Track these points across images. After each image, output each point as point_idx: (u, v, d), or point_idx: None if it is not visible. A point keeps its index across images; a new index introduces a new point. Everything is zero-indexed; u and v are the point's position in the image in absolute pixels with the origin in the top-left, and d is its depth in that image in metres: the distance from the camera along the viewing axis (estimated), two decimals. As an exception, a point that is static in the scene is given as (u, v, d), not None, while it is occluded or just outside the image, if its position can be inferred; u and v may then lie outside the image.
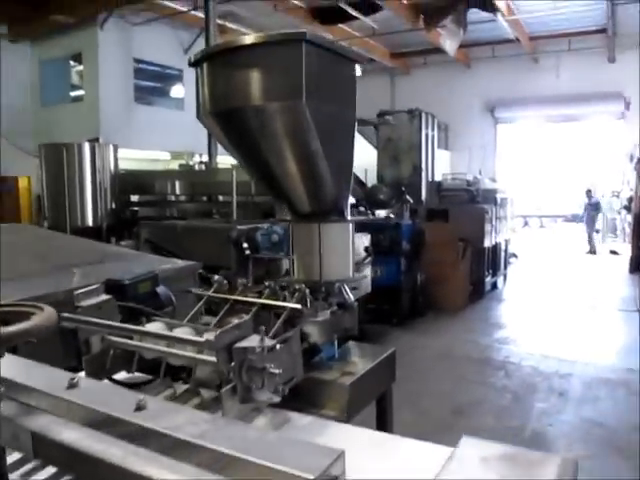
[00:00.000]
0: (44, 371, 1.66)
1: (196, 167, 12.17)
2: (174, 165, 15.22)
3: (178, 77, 16.43)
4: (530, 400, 5.26)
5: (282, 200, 2.47)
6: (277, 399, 1.65)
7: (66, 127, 13.93)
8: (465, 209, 9.41)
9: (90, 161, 9.63)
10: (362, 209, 10.92)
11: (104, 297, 1.99)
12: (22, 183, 14.61)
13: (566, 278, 12.01)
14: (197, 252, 7.16)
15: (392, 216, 8.56)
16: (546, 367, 6.15)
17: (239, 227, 6.32)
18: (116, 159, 10.29)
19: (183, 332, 1.87)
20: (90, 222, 9.62)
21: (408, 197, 11.16)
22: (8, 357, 1.72)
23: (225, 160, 12.66)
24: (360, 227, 7.62)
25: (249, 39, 2.00)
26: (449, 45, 13.86)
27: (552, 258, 14.98)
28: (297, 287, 2.11)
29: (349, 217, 2.52)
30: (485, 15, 13.76)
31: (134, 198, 11.36)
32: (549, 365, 6.21)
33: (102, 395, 1.46)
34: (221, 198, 10.35)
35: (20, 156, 13.59)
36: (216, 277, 2.27)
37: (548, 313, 8.71)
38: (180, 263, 4.43)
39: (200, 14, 12.74)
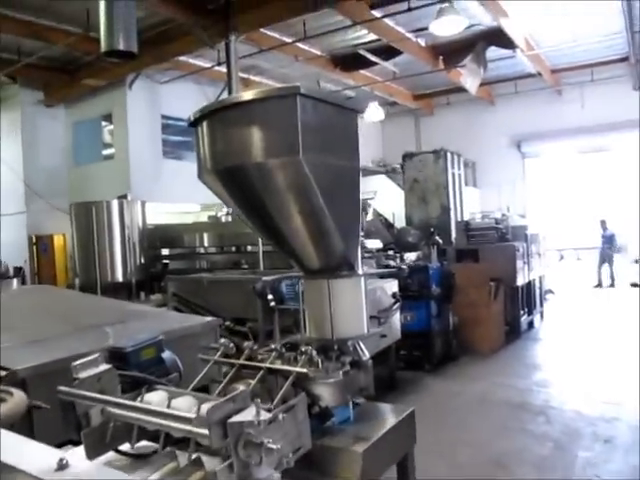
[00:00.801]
0: (38, 450, 1.60)
1: (223, 219, 12.29)
2: (204, 217, 15.43)
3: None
4: (573, 448, 4.94)
5: (290, 256, 2.41)
6: (277, 476, 1.55)
7: (99, 185, 14.30)
8: (494, 248, 9.18)
9: (118, 218, 9.83)
10: (391, 253, 10.81)
11: (103, 367, 1.93)
12: (57, 241, 14.97)
13: (605, 313, 11.56)
14: (224, 305, 7.15)
15: (402, 263, 8.38)
16: (590, 411, 5.81)
17: (264, 278, 6.27)
18: (144, 214, 10.46)
19: (182, 402, 1.79)
20: (120, 278, 9.74)
21: (437, 238, 11.01)
22: (6, 434, 1.67)
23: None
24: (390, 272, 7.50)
25: (243, 96, 1.98)
26: (470, 84, 13.89)
27: (589, 292, 14.49)
28: (304, 349, 2.02)
29: (360, 271, 2.44)
30: (505, 52, 13.80)
31: (165, 251, 11.49)
32: (593, 409, 5.87)
33: (90, 478, 1.39)
34: (250, 248, 10.37)
35: (56, 215, 13.94)
36: (222, 340, 2.19)
37: (589, 352, 8.33)
38: (201, 319, 4.39)
39: (224, 69, 13.07)
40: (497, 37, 12.71)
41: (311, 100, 1.95)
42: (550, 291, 13.06)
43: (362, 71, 15.70)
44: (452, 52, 13.84)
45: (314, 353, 2.00)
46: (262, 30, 12.40)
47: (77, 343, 3.51)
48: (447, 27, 9.82)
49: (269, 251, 9.29)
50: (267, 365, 2.00)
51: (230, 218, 11.85)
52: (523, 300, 9.57)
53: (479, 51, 13.31)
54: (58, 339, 3.53)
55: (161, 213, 13.57)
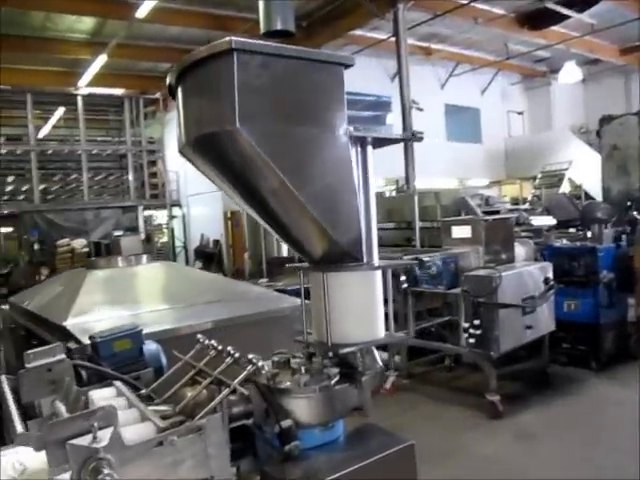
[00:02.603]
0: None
1: (387, 194, 11.96)
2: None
3: (387, 104, 16.89)
4: None
5: (288, 242, 2.09)
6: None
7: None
8: (696, 226, 7.49)
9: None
10: (573, 230, 9.58)
11: (58, 357, 1.84)
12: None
13: None
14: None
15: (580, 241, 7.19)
16: None
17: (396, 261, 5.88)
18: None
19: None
20: (285, 253, 10.03)
21: (635, 214, 9.42)
22: None
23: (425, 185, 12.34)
24: (551, 254, 6.54)
25: (181, 63, 1.71)
26: (687, 29, 11.57)
27: None
28: (250, 357, 1.70)
29: (376, 263, 2.01)
30: None
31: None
32: None
33: None
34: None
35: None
36: (199, 336, 1.96)
37: None
38: (294, 302, 4.22)
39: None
40: None
41: (257, 56, 1.60)
42: None
43: (554, 27, 14.00)
44: (665, -9, 11.64)
45: (260, 364, 1.67)
46: (433, -7, 11.70)
47: (162, 320, 3.58)
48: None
49: (428, 227, 8.84)
50: (214, 373, 1.71)
51: (394, 193, 11.51)
52: None
53: (701, -14, 10.99)
54: (148, 316, 3.62)
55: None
